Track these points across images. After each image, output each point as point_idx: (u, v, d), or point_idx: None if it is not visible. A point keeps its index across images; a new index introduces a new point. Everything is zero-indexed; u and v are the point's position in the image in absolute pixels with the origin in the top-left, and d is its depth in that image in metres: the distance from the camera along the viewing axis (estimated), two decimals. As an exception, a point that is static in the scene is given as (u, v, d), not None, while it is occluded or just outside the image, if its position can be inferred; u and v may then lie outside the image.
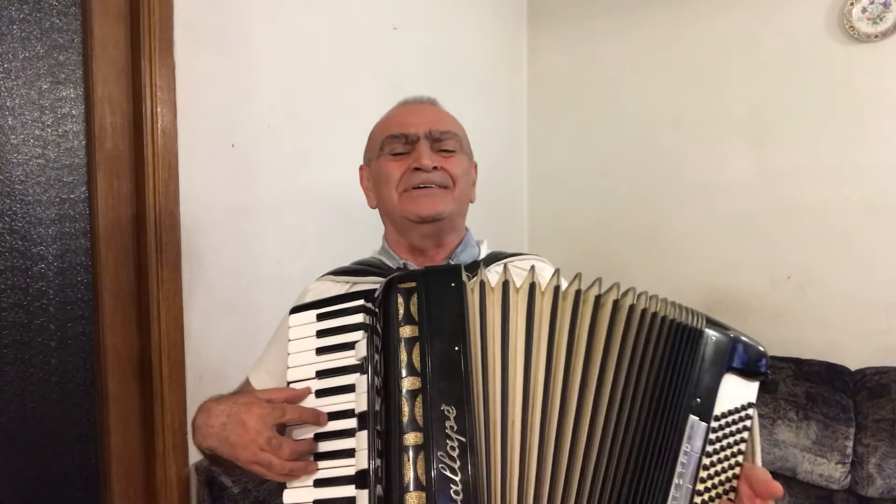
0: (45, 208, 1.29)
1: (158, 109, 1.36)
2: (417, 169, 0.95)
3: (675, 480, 0.71)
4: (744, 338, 0.75)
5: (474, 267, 0.93)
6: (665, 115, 2.36)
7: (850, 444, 1.68)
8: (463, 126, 1.07)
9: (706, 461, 0.71)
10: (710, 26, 2.26)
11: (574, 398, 0.72)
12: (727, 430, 0.72)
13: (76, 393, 1.34)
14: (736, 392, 0.73)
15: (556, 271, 0.78)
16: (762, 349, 0.75)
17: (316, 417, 0.76)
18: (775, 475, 1.73)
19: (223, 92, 1.50)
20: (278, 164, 1.63)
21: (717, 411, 0.72)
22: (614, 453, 0.72)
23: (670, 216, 2.37)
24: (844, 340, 2.03)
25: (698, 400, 0.72)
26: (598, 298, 0.75)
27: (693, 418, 0.72)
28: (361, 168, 1.08)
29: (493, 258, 1.02)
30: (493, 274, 0.90)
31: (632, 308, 0.75)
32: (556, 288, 0.75)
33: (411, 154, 0.97)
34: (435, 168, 0.95)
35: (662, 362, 0.74)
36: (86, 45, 1.32)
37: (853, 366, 1.87)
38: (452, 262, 1.00)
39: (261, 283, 1.59)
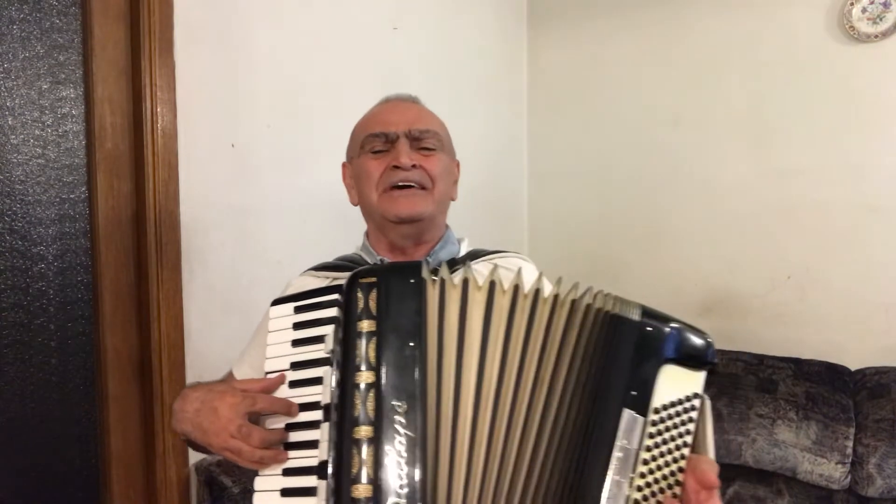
0: (45, 208, 1.29)
1: (158, 109, 1.36)
2: (396, 167, 0.95)
3: (612, 476, 0.69)
4: (680, 327, 0.73)
5: (452, 264, 0.94)
6: (665, 115, 2.35)
7: (850, 444, 1.68)
8: (445, 124, 1.06)
9: (646, 455, 0.69)
10: (710, 26, 2.26)
11: (525, 396, 0.73)
12: (669, 423, 0.70)
13: (76, 393, 1.34)
14: (678, 383, 0.71)
15: (518, 270, 0.78)
16: (706, 339, 0.73)
17: (287, 408, 0.78)
18: (775, 475, 1.74)
19: (223, 92, 1.50)
20: (278, 164, 1.63)
21: (658, 404, 0.70)
22: (560, 450, 0.72)
23: (670, 216, 2.36)
24: (844, 340, 2.03)
25: (634, 393, 0.71)
26: (556, 298, 0.75)
27: (628, 412, 0.70)
28: (344, 165, 1.09)
29: (472, 255, 1.02)
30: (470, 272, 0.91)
31: (574, 304, 0.75)
32: (517, 287, 0.76)
33: (391, 152, 0.97)
34: (414, 166, 0.96)
35: (598, 356, 0.74)
36: (86, 45, 1.32)
37: (853, 366, 1.86)
38: (430, 260, 1.00)
39: (261, 283, 1.59)
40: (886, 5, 1.93)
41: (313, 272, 1.05)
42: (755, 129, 2.18)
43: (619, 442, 0.70)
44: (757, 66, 2.16)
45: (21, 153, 1.25)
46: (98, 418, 1.37)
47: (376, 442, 0.69)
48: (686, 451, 0.70)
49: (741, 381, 1.86)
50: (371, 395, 0.71)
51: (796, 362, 1.88)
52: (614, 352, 0.73)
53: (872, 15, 1.95)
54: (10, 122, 1.23)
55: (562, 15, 2.59)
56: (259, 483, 0.77)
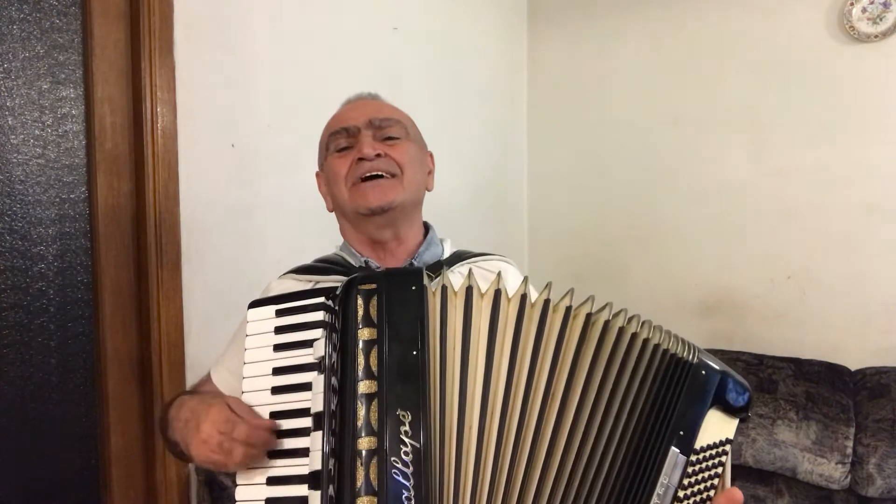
0: (45, 208, 1.29)
1: (158, 109, 1.36)
2: (361, 159, 0.93)
3: None
4: (727, 373, 0.75)
5: (438, 267, 0.92)
6: (665, 115, 2.35)
7: (850, 444, 1.68)
8: (411, 116, 1.04)
9: (680, 493, 0.71)
10: (709, 26, 2.26)
11: (536, 408, 0.71)
12: (704, 465, 0.72)
13: (76, 393, 1.34)
14: (717, 427, 0.73)
15: (525, 279, 0.76)
16: (748, 390, 0.76)
17: (266, 444, 0.74)
18: (775, 475, 1.74)
19: (223, 92, 1.50)
20: (278, 164, 1.63)
21: (698, 445, 0.72)
22: (587, 471, 0.71)
23: (670, 216, 2.36)
24: (844, 340, 2.02)
25: (681, 433, 0.72)
26: (568, 310, 0.73)
27: (675, 451, 0.71)
28: (317, 175, 1.06)
29: (457, 258, 1.01)
30: (456, 275, 0.89)
31: (621, 331, 0.73)
32: (524, 296, 0.74)
33: (355, 147, 0.96)
34: (378, 155, 0.93)
35: (652, 392, 0.73)
36: (86, 45, 1.32)
37: (853, 366, 1.86)
38: (415, 263, 0.98)
39: (260, 283, 1.57)
40: (886, 5, 1.93)
41: (294, 275, 1.03)
42: (755, 129, 2.18)
43: (662, 479, 0.70)
44: (757, 66, 2.16)
45: (21, 153, 1.25)
46: (98, 418, 1.37)
47: (379, 453, 0.67)
48: (713, 493, 0.72)
49: (741, 381, 1.86)
50: (374, 405, 0.69)
51: (796, 362, 1.88)
52: (672, 391, 0.73)
53: (872, 15, 1.95)
54: (10, 122, 1.23)
55: (562, 15, 2.59)
56: (240, 493, 0.74)
